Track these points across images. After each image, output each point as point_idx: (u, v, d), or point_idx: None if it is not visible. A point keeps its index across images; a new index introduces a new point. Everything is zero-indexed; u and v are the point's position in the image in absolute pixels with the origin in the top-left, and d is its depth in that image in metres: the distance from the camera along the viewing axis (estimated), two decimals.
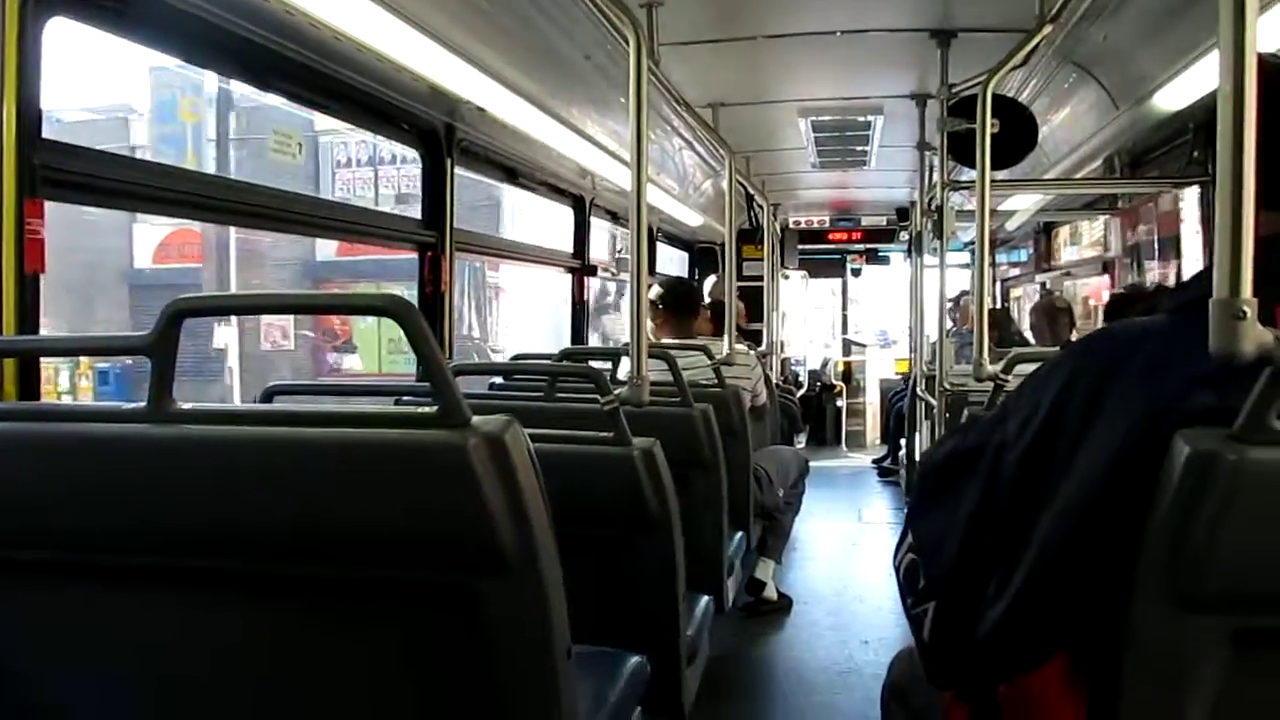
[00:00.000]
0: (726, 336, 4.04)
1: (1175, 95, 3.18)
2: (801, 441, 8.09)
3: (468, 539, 1.24)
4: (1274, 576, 1.03)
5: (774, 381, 6.35)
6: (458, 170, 3.56)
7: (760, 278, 7.37)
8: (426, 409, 1.23)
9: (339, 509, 1.27)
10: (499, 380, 3.59)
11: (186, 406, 1.27)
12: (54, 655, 1.42)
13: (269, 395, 2.01)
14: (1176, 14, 2.89)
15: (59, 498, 1.31)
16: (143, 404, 1.25)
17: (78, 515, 1.31)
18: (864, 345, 11.26)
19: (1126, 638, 1.08)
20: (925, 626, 1.23)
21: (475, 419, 1.23)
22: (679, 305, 4.13)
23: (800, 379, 9.97)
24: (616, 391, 2.12)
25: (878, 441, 9.74)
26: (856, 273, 10.74)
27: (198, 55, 2.39)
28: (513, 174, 4.36)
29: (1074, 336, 6.32)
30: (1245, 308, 0.97)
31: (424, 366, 1.21)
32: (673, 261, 8.47)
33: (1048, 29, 2.87)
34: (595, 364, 3.27)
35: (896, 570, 1.32)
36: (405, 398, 2.73)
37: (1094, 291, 6.96)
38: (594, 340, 5.58)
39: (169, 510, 1.29)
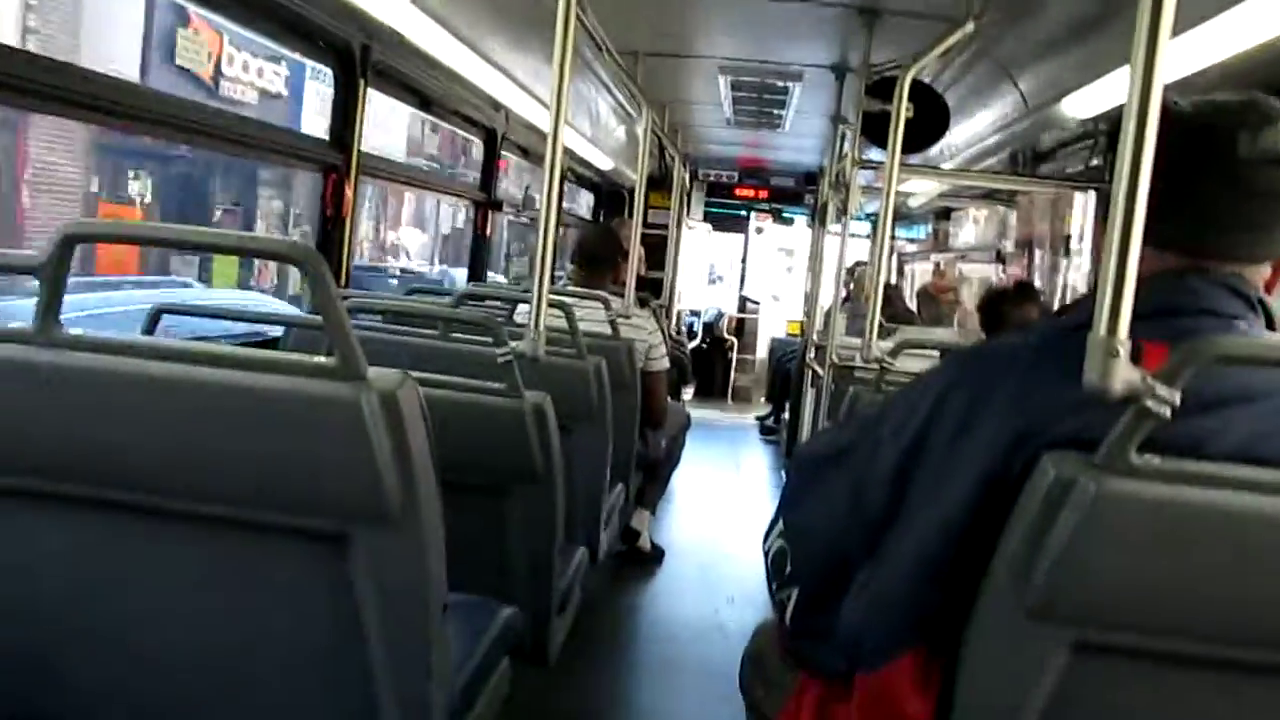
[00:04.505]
0: (628, 290, 4.04)
1: (1084, 103, 3.27)
2: (689, 393, 8.18)
3: (353, 492, 1.24)
4: (1117, 596, 1.11)
5: (669, 333, 6.40)
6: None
7: (665, 226, 7.40)
8: (322, 358, 1.22)
9: (222, 450, 1.25)
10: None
11: (75, 332, 1.24)
12: None
13: (156, 314, 1.96)
14: (1093, 27, 2.97)
15: None
16: (29, 325, 1.22)
17: None
18: (758, 302, 11.36)
19: (975, 639, 1.15)
20: (788, 611, 1.29)
21: (371, 373, 1.22)
22: (595, 260, 4.07)
23: (695, 329, 10.06)
24: (512, 344, 2.12)
25: (763, 399, 9.89)
26: (760, 230, 10.81)
27: None
28: (425, 101, 4.27)
29: (956, 316, 6.53)
30: (1120, 347, 1.03)
31: (324, 318, 1.20)
32: (579, 203, 8.42)
33: (970, 25, 2.92)
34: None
35: (765, 554, 1.37)
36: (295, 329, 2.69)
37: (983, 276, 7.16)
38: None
39: (51, 434, 1.26)
